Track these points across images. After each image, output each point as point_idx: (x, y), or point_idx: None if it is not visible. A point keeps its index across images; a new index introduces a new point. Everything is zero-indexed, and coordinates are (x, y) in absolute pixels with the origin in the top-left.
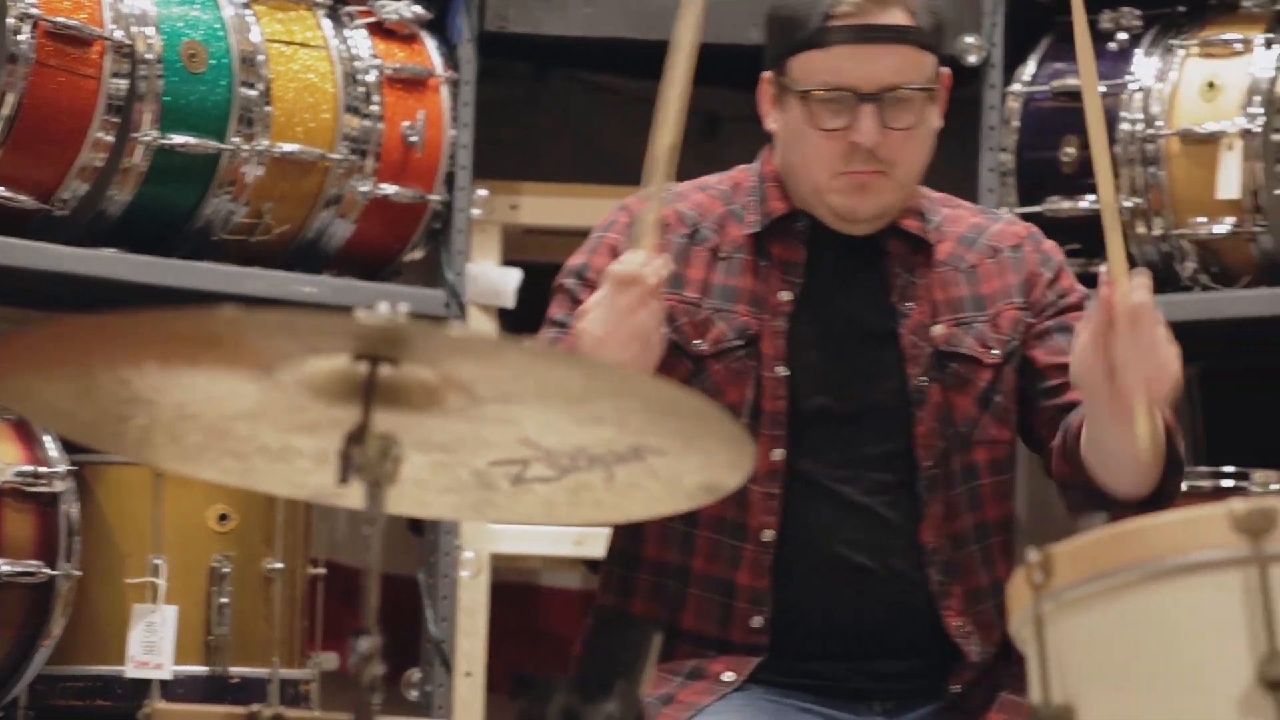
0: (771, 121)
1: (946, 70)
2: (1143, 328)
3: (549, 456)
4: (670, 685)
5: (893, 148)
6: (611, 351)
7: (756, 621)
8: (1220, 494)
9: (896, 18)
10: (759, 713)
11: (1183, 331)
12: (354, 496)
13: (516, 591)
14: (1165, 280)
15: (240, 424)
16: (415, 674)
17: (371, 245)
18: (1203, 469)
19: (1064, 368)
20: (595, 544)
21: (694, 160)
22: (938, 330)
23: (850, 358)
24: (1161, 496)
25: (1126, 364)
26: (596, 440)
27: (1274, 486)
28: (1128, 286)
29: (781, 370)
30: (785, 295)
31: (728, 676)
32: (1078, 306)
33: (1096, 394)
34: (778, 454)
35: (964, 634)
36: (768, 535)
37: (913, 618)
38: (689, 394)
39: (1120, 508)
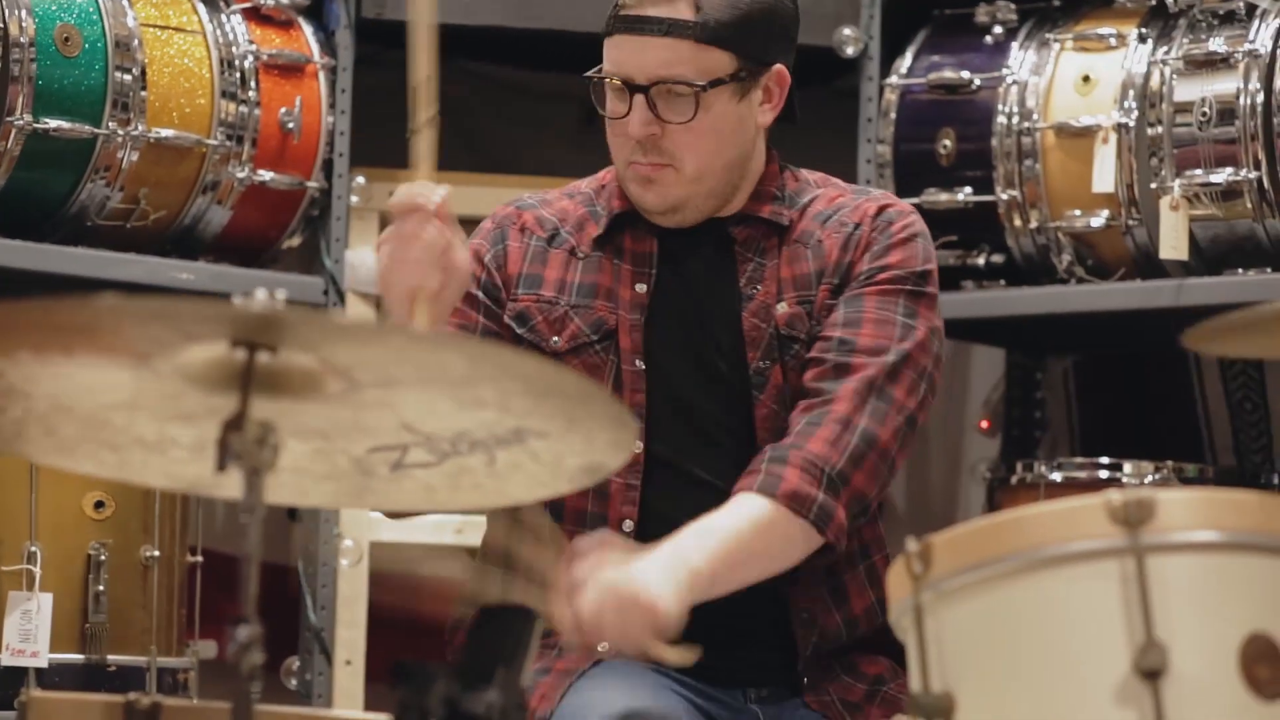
0: None
1: (777, 68)
2: None
3: (429, 441)
4: (546, 658)
5: (674, 142)
6: (404, 276)
7: None
8: (1095, 485)
9: (676, 10)
10: (635, 677)
11: (1058, 323)
12: (232, 487)
13: (395, 580)
14: (1041, 272)
15: (116, 414)
16: (294, 663)
17: (249, 232)
18: (1078, 460)
19: (825, 340)
20: (475, 532)
21: (573, 150)
22: (780, 310)
23: (700, 346)
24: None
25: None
26: (478, 423)
27: (1148, 478)
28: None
29: (639, 363)
30: (640, 288)
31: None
32: (890, 282)
33: None
34: (638, 446)
35: (806, 622)
36: (628, 525)
37: (779, 603)
38: (570, 375)
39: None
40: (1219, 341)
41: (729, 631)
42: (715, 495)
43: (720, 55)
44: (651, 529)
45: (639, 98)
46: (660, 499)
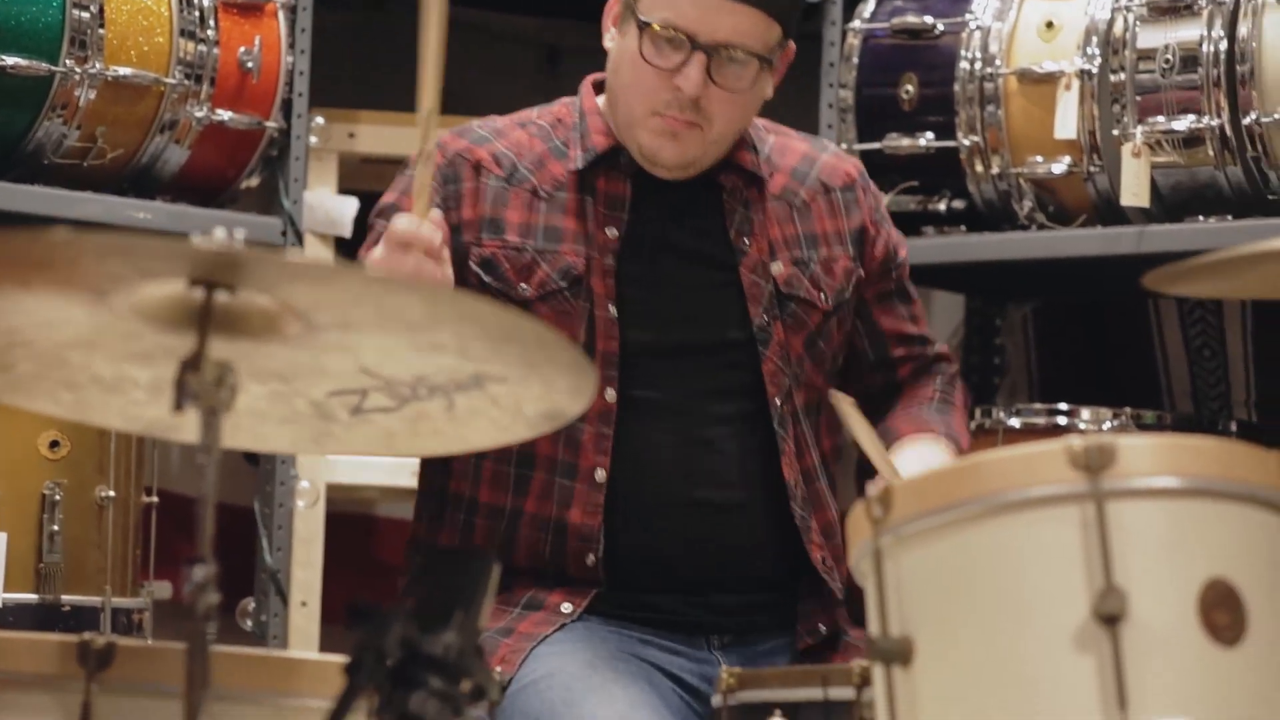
0: (609, 39)
1: (791, 46)
2: None
3: (388, 386)
4: (508, 618)
5: (715, 104)
6: None
7: (590, 559)
8: (1053, 431)
9: None
10: (597, 643)
11: (1019, 270)
12: (189, 430)
13: (353, 522)
14: (1002, 218)
15: (74, 352)
16: (250, 604)
17: (207, 171)
18: (1036, 406)
19: (905, 338)
20: None
21: (533, 92)
22: (778, 269)
23: (687, 294)
24: None
25: None
26: (437, 368)
27: (1106, 424)
28: None
29: (613, 309)
30: (612, 232)
31: (566, 607)
32: (904, 262)
33: None
34: (610, 394)
35: (828, 568)
36: (600, 475)
37: (765, 552)
38: (530, 321)
39: None
40: (1181, 283)
41: (699, 581)
42: (703, 445)
43: (776, 29)
44: (625, 479)
45: (699, 55)
46: (637, 447)
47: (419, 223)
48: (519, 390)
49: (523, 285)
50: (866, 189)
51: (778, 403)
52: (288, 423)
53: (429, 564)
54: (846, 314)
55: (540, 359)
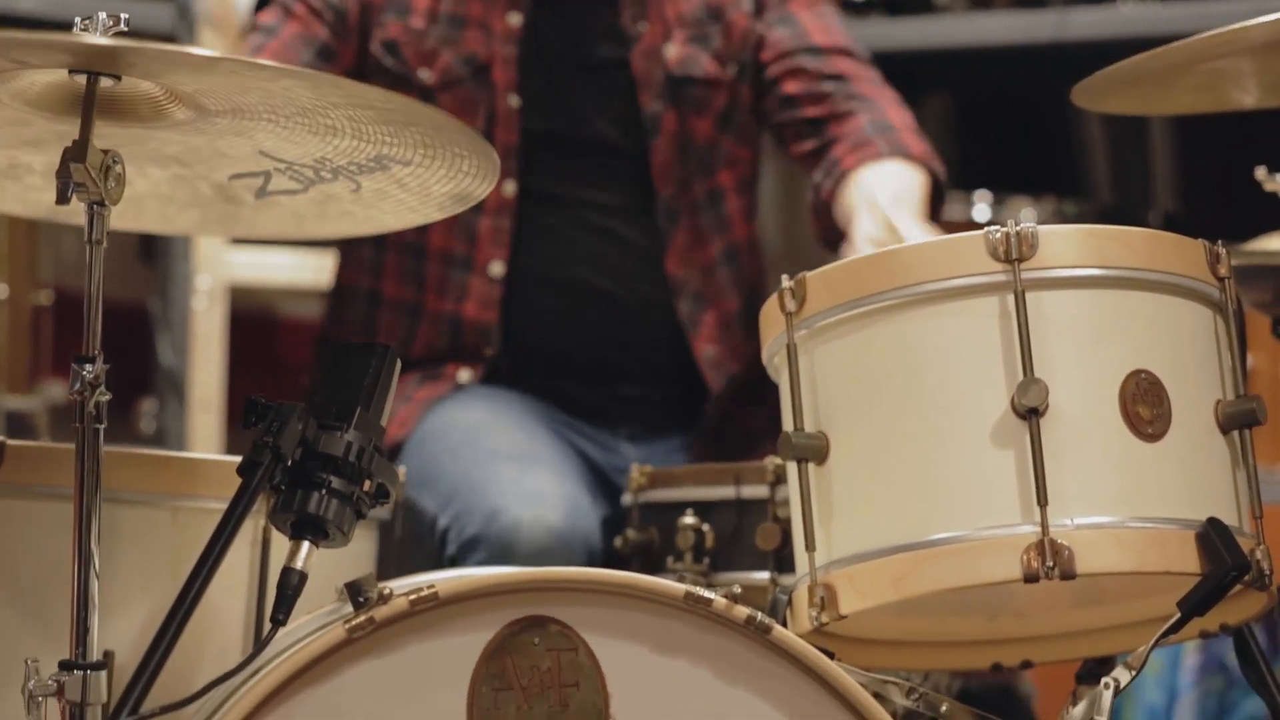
0: None
1: None
2: None
3: (291, 169)
4: (405, 387)
5: None
6: None
7: (487, 352)
8: (972, 227)
9: None
10: (499, 400)
11: (938, 58)
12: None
13: (254, 322)
14: (921, 5)
15: None
16: (149, 404)
17: None
18: (956, 193)
19: (794, 72)
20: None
21: None
22: (671, 51)
23: (581, 84)
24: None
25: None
26: (336, 151)
27: (1025, 211)
28: None
29: (514, 100)
30: (514, 19)
31: (464, 375)
32: None
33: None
34: (509, 187)
35: (713, 363)
36: (496, 269)
37: (660, 345)
38: (421, 105)
39: None
40: (1108, 98)
41: (602, 371)
42: (600, 234)
43: None
44: (526, 270)
45: None
46: (536, 239)
47: None
48: (424, 173)
49: (423, 71)
50: None
51: (668, 193)
52: (193, 206)
53: (328, 360)
54: (751, 74)
55: (440, 140)
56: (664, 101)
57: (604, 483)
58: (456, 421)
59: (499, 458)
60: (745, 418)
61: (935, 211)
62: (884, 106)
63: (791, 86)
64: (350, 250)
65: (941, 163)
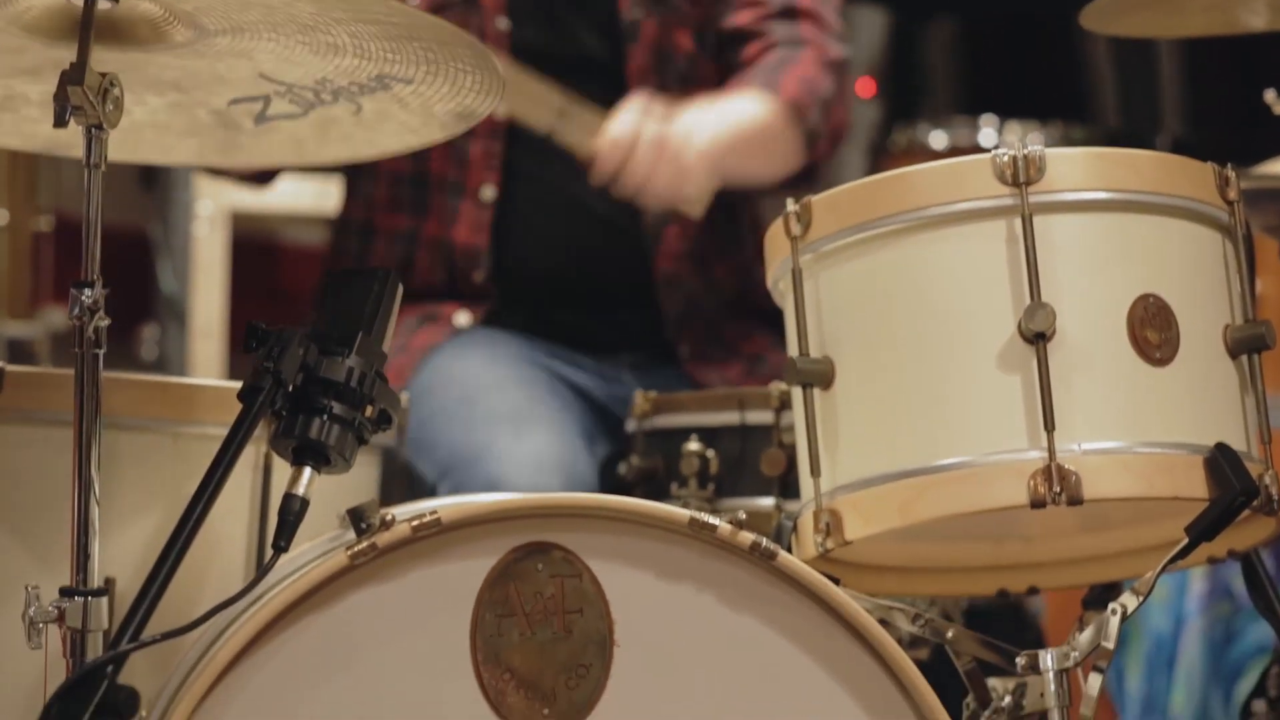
0: None
1: None
2: None
3: (291, 91)
4: (401, 334)
5: None
6: None
7: (477, 276)
8: (980, 147)
9: None
10: (496, 347)
11: None
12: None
13: (257, 249)
14: None
15: None
16: (150, 330)
17: None
18: (960, 118)
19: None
20: (335, 199)
21: None
22: None
23: (566, 1)
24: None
25: None
26: (337, 70)
27: (1031, 136)
28: None
29: (503, 23)
30: None
31: (461, 319)
32: None
33: None
34: (502, 109)
35: (669, 282)
36: (488, 193)
37: (632, 267)
38: (425, 16)
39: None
40: (1117, 20)
41: (598, 297)
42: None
43: None
44: (518, 194)
45: None
46: (528, 162)
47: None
48: (426, 90)
49: None
50: None
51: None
52: (191, 134)
53: (329, 286)
54: None
55: (443, 55)
56: (644, 8)
57: (606, 419)
58: (453, 377)
59: (495, 420)
60: (736, 336)
61: (779, 148)
62: (801, 51)
63: (743, 18)
64: (349, 184)
65: (829, 114)
